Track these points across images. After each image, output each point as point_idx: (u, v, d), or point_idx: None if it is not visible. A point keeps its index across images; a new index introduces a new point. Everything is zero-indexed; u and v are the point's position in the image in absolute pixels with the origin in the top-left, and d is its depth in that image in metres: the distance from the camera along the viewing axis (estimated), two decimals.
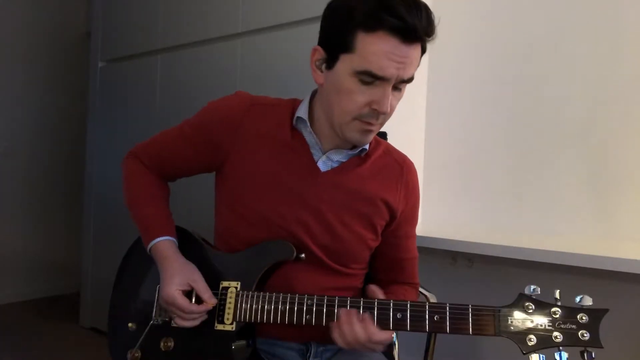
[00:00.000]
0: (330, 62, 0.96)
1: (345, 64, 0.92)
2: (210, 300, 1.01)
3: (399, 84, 0.94)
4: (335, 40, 0.94)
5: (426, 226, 1.91)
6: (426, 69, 2.00)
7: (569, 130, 1.73)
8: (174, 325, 1.04)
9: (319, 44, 0.98)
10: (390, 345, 1.22)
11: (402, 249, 1.14)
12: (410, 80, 0.95)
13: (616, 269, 1.36)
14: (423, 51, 0.95)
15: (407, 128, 1.94)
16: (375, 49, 0.89)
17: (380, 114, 0.95)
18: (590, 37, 1.70)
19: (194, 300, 1.01)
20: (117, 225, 2.61)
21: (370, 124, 0.96)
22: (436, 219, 1.98)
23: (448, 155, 1.98)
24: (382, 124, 0.99)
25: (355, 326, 0.89)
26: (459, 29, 1.95)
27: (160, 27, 2.45)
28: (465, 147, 1.94)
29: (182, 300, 0.99)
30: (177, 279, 1.01)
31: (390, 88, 0.92)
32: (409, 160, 1.15)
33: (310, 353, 1.09)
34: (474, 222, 1.92)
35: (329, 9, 0.97)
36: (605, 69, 1.67)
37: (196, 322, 1.01)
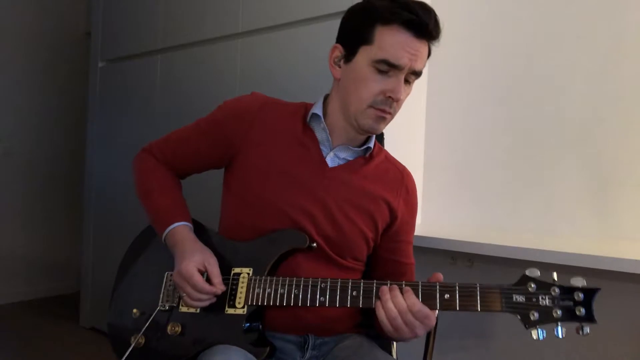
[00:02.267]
0: (349, 56, 1.06)
1: (364, 55, 1.03)
2: (220, 286, 1.03)
3: (410, 75, 1.04)
4: (355, 35, 1.04)
5: (426, 226, 1.91)
6: (426, 69, 2.00)
7: (569, 130, 1.73)
8: (182, 308, 1.07)
9: (338, 42, 1.09)
10: (389, 344, 1.23)
11: (402, 254, 1.20)
12: (419, 73, 1.05)
13: (616, 269, 1.36)
14: (428, 54, 1.06)
15: (407, 128, 1.94)
16: (392, 40, 1.00)
17: (393, 101, 1.03)
18: (590, 37, 1.70)
19: None
20: (117, 225, 2.61)
21: (384, 111, 1.04)
22: (436, 219, 1.98)
23: (448, 155, 1.98)
24: (393, 115, 1.08)
25: (397, 297, 0.93)
26: (459, 30, 1.95)
27: (160, 27, 2.46)
28: (465, 147, 1.94)
29: (198, 277, 1.02)
30: (197, 256, 1.05)
31: (403, 77, 1.02)
32: (407, 169, 1.23)
33: (308, 345, 1.10)
34: (474, 222, 1.92)
35: (350, 10, 1.09)
36: (605, 69, 1.67)
37: (205, 304, 1.04)
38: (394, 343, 1.25)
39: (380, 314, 0.93)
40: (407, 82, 1.05)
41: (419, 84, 1.99)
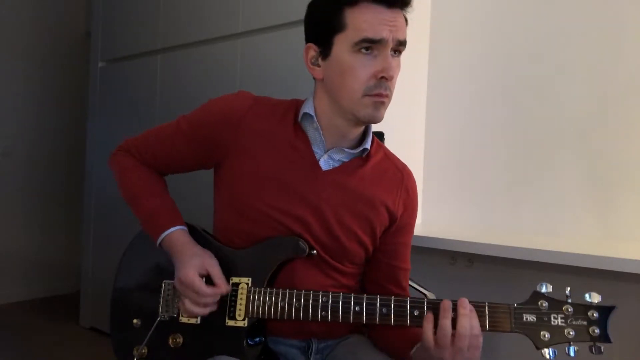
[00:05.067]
0: (325, 50, 1.00)
1: (342, 43, 0.97)
2: (225, 286, 1.01)
3: (397, 46, 0.98)
4: (325, 27, 0.99)
5: (426, 226, 1.91)
6: (426, 69, 2.00)
7: (569, 130, 1.73)
8: (182, 319, 1.05)
9: (309, 41, 1.04)
10: None
11: (397, 257, 1.13)
12: (404, 43, 0.99)
13: (616, 269, 1.36)
14: (407, 23, 1.01)
15: (407, 128, 1.94)
16: (365, 17, 0.95)
17: (387, 80, 0.97)
18: (590, 37, 1.70)
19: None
20: (117, 225, 2.61)
21: (379, 95, 0.97)
22: (436, 219, 1.98)
23: (448, 155, 1.98)
24: (390, 97, 1.00)
25: (469, 318, 0.86)
26: (459, 29, 1.95)
27: (160, 27, 2.45)
28: (465, 147, 1.94)
29: (199, 282, 0.99)
30: (196, 261, 1.02)
31: (389, 52, 0.97)
32: (408, 168, 1.17)
33: (312, 350, 1.09)
34: (474, 222, 1.92)
35: (310, 6, 1.05)
36: (605, 69, 1.67)
37: (206, 311, 1.01)
38: None
39: (429, 332, 0.88)
40: (396, 54, 0.99)
41: (418, 84, 2.00)
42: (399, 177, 1.12)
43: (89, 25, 3.12)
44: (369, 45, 0.95)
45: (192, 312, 1.01)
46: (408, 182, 1.13)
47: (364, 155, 1.08)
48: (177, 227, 1.08)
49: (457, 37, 1.95)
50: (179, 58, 2.37)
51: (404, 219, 1.12)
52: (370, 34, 0.94)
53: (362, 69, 0.96)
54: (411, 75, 1.94)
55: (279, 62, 1.93)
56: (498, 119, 1.87)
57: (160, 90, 2.45)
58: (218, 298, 1.01)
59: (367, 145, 1.07)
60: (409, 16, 1.01)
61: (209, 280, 1.02)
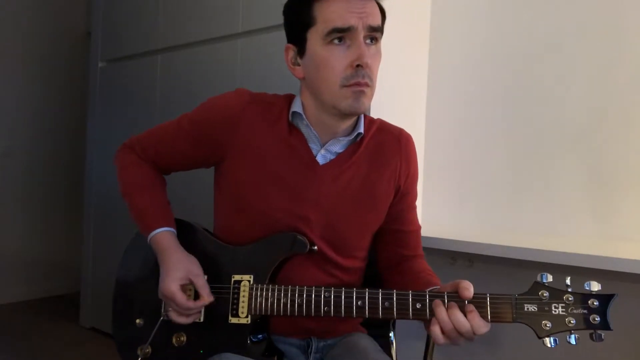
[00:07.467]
0: (302, 48, 1.01)
1: (313, 37, 0.98)
2: (209, 298, 1.02)
3: (370, 33, 0.97)
4: (297, 24, 1.01)
5: (426, 226, 1.90)
6: (426, 69, 2.00)
7: (569, 130, 1.73)
8: (165, 318, 1.06)
9: (288, 42, 1.05)
10: (388, 344, 1.23)
11: (405, 222, 1.15)
12: (378, 29, 0.98)
13: (616, 269, 1.36)
14: (383, 15, 1.01)
15: (407, 128, 1.93)
16: (333, 8, 0.96)
17: (363, 68, 0.96)
18: (590, 38, 1.70)
19: (193, 294, 1.03)
20: (117, 225, 2.61)
21: (358, 84, 0.96)
22: (436, 219, 1.98)
23: (448, 155, 1.97)
24: (371, 86, 0.99)
25: (458, 316, 0.88)
26: (459, 30, 1.95)
27: (160, 27, 2.45)
28: (465, 147, 1.94)
29: (180, 297, 1.00)
30: (178, 272, 1.02)
31: (361, 38, 0.96)
32: (406, 132, 1.15)
33: (312, 349, 1.09)
34: (474, 222, 1.92)
35: (285, 7, 1.05)
36: (606, 69, 1.67)
37: (189, 320, 1.03)
38: (394, 345, 1.24)
39: (437, 332, 0.89)
40: (371, 40, 0.98)
41: (419, 84, 2.00)
42: (396, 145, 1.12)
43: (89, 25, 3.12)
44: (340, 35, 0.96)
45: (177, 321, 1.03)
46: (406, 147, 1.13)
47: (358, 140, 1.08)
48: (163, 229, 1.08)
49: (457, 36, 1.95)
50: (179, 58, 2.37)
51: (407, 185, 1.13)
52: (338, 24, 0.95)
53: (337, 60, 0.96)
54: (411, 75, 1.94)
55: (279, 62, 1.92)
56: (498, 119, 1.87)
57: (160, 90, 2.45)
58: (201, 309, 1.03)
59: (361, 129, 1.07)
60: (393, 6, 1.01)
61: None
